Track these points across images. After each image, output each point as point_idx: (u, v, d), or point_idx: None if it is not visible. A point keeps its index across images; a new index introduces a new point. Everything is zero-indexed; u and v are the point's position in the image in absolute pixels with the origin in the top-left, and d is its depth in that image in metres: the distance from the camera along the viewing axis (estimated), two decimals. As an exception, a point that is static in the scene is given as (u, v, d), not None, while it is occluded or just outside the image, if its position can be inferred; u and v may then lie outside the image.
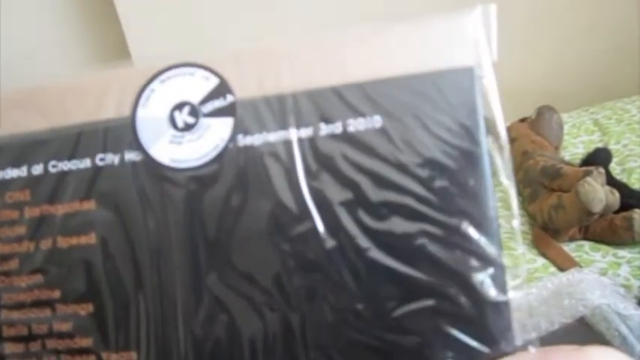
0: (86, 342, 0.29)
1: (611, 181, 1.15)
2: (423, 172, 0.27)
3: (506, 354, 0.27)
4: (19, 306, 0.29)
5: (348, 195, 0.28)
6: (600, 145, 1.38)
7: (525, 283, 0.26)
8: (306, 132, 0.28)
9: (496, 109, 0.27)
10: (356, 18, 1.53)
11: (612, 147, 1.35)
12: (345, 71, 0.28)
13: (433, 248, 0.27)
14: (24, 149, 0.30)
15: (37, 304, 0.29)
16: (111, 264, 0.29)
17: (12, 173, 0.30)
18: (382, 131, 0.28)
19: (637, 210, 1.06)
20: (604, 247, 1.04)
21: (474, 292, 0.27)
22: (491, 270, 0.27)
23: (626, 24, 1.76)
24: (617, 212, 1.08)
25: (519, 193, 1.28)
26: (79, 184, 0.29)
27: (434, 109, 0.27)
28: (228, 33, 1.53)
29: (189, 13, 1.53)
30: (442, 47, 0.28)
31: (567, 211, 1.08)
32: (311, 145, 0.28)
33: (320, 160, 0.28)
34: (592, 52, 1.79)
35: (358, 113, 0.28)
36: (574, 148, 1.42)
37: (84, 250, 0.29)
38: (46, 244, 0.29)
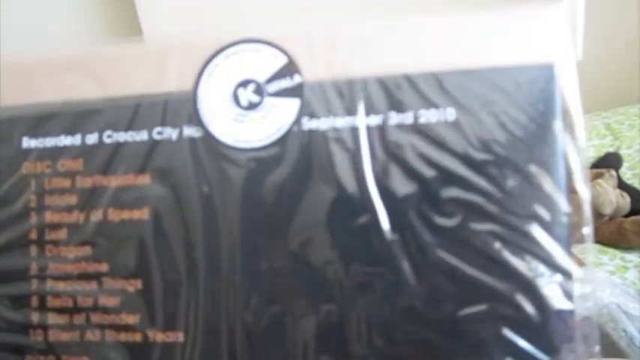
0: (132, 319, 0.27)
1: (622, 185, 1.12)
2: (496, 171, 0.25)
3: None
4: (66, 277, 0.27)
5: (414, 188, 0.25)
6: (611, 149, 1.35)
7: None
8: (375, 120, 0.26)
9: (575, 109, 0.25)
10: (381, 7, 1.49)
11: (624, 152, 1.32)
12: (419, 59, 0.26)
13: (500, 250, 0.25)
14: (78, 117, 0.28)
15: (84, 276, 0.27)
16: (163, 242, 0.27)
17: (65, 141, 0.28)
18: (455, 125, 0.25)
19: (647, 215, 1.04)
20: (612, 251, 1.01)
21: (540, 299, 0.25)
22: (559, 277, 0.25)
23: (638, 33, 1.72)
24: (626, 216, 1.05)
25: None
26: (134, 157, 0.27)
27: (510, 105, 0.25)
28: (241, 11, 1.49)
29: None
30: (523, 41, 0.25)
31: (577, 212, 1.05)
32: (379, 134, 0.26)
33: (388, 150, 0.26)
34: (607, 57, 1.76)
35: (431, 104, 0.25)
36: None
37: (136, 225, 0.27)
38: (96, 216, 0.27)
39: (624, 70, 1.74)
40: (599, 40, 1.65)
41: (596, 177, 1.08)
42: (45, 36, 1.41)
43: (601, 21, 1.67)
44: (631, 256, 0.99)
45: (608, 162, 1.23)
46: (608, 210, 1.03)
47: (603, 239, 1.07)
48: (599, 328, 0.78)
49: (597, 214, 1.03)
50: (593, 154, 1.35)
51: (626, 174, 1.24)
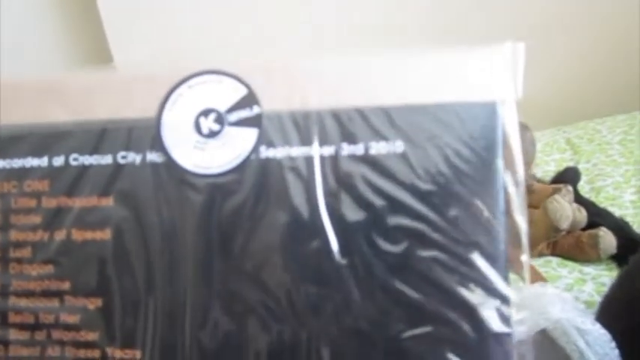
0: (92, 336, 0.28)
1: (580, 200, 1.15)
2: (440, 201, 0.26)
3: None
4: (28, 294, 0.28)
5: (364, 215, 0.27)
6: (571, 163, 1.38)
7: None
8: (328, 150, 0.27)
9: (515, 145, 0.27)
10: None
11: (582, 166, 1.35)
12: (371, 94, 0.27)
13: (443, 276, 0.26)
14: (46, 139, 0.28)
15: (46, 293, 0.28)
16: (123, 262, 0.27)
17: (32, 162, 0.28)
18: (403, 157, 0.27)
19: (603, 228, 1.05)
20: (571, 264, 1.03)
21: (479, 323, 0.26)
22: (497, 302, 0.26)
23: (599, 48, 1.76)
24: (584, 229, 1.08)
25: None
26: (98, 180, 0.28)
27: (455, 140, 0.27)
28: (211, 37, 1.49)
29: (172, 17, 1.48)
30: (468, 79, 0.27)
31: (536, 226, 1.07)
32: (332, 164, 0.27)
33: (339, 179, 0.27)
34: (567, 72, 1.79)
35: (381, 137, 0.27)
36: (546, 165, 1.41)
37: (98, 245, 0.28)
38: (60, 236, 0.28)
39: (583, 83, 1.77)
40: (558, 58, 1.69)
41: (553, 192, 1.10)
42: (16, 60, 1.40)
43: (561, 33, 1.71)
44: (589, 269, 1.01)
45: (567, 176, 1.26)
46: (564, 225, 1.05)
47: (563, 253, 1.09)
48: (554, 342, 0.80)
49: (555, 229, 1.05)
50: (553, 168, 1.38)
51: (584, 188, 1.26)
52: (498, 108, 0.27)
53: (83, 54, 1.51)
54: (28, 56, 1.44)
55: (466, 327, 0.26)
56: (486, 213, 0.26)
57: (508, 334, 0.26)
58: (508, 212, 0.27)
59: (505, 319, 0.26)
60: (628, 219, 1.09)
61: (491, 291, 0.26)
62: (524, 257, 0.27)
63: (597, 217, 1.11)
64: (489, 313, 0.26)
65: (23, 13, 1.46)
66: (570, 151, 1.46)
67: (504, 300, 0.26)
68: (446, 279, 0.26)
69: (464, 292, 0.26)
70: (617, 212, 1.12)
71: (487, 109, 0.27)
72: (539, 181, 1.25)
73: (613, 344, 0.78)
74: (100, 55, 1.47)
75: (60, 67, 1.47)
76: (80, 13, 1.49)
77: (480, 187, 0.26)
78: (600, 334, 0.85)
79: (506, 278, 0.26)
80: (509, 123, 0.27)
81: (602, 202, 1.19)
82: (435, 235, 0.26)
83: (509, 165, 0.27)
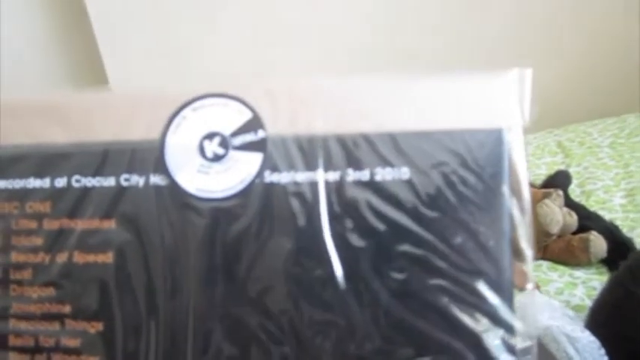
0: None
1: (570, 203, 1.15)
2: (445, 228, 0.26)
3: None
4: (28, 317, 0.27)
5: (368, 242, 0.26)
6: (562, 166, 1.38)
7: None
8: (333, 176, 0.26)
9: (522, 172, 0.26)
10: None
11: (573, 169, 1.35)
12: (377, 119, 0.27)
13: (447, 304, 0.26)
14: (48, 160, 0.28)
15: (47, 317, 0.27)
16: (125, 286, 0.27)
17: (34, 183, 0.28)
18: (409, 183, 0.26)
19: (593, 232, 1.06)
20: (561, 268, 1.03)
21: (483, 352, 0.26)
22: (502, 331, 0.26)
23: (590, 51, 1.76)
24: (575, 233, 1.08)
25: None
26: (101, 202, 0.27)
27: (461, 167, 0.26)
28: (207, 57, 1.48)
29: (171, 37, 1.46)
30: (474, 106, 0.27)
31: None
32: (337, 190, 0.26)
33: (344, 205, 0.26)
34: (558, 76, 1.80)
35: (387, 163, 0.26)
36: (537, 169, 1.41)
37: (99, 268, 0.27)
38: (61, 258, 0.27)
39: (574, 86, 1.78)
40: (549, 61, 1.69)
41: (543, 197, 1.10)
42: (10, 78, 1.37)
43: (553, 37, 1.71)
44: (579, 273, 1.01)
45: (558, 180, 1.26)
46: (555, 229, 1.05)
47: (553, 257, 1.09)
48: (544, 348, 0.79)
49: (545, 233, 1.05)
50: (545, 172, 1.38)
51: (575, 191, 1.27)
52: (505, 135, 0.26)
53: (77, 73, 1.49)
54: (22, 73, 1.41)
55: (470, 356, 0.26)
56: (492, 241, 0.26)
57: None
58: (514, 240, 0.26)
59: (510, 349, 0.26)
60: (617, 222, 1.09)
61: (496, 320, 0.26)
62: (530, 285, 0.27)
63: (587, 220, 1.11)
64: (494, 343, 0.26)
65: (15, 29, 1.43)
66: (561, 154, 1.47)
67: (509, 329, 0.26)
68: (450, 307, 0.26)
69: (468, 321, 0.26)
70: (607, 216, 1.12)
71: (493, 136, 0.26)
72: (530, 184, 1.25)
73: (602, 351, 0.78)
74: (94, 74, 1.45)
75: (54, 85, 1.45)
76: (73, 30, 1.46)
77: (486, 215, 0.26)
78: (589, 342, 0.86)
79: (511, 307, 0.26)
80: (515, 149, 0.26)
81: (592, 205, 1.19)
82: (440, 263, 0.26)
83: (516, 192, 0.26)
